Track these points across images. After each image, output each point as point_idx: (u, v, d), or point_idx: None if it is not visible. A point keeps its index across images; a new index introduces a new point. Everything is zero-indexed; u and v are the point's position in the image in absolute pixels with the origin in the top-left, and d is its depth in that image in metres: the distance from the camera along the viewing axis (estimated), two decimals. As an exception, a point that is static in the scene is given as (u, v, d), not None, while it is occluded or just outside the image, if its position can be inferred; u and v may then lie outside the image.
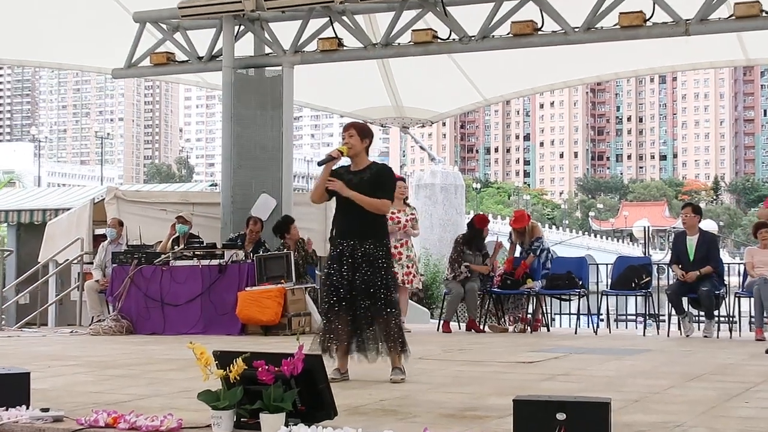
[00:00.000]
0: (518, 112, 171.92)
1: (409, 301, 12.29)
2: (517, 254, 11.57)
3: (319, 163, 5.90)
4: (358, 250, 5.81)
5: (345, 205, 5.89)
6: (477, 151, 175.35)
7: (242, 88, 12.34)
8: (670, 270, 10.86)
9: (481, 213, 13.40)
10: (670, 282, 11.02)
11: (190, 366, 4.86)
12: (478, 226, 11.56)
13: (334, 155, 5.85)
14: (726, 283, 10.68)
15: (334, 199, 6.00)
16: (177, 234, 11.84)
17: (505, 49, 11.81)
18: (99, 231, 13.48)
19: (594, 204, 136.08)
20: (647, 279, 11.02)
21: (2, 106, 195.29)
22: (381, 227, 5.97)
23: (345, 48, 12.30)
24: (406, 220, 11.08)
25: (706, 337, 10.30)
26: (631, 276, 11.06)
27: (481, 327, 11.33)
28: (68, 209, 14.69)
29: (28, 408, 4.36)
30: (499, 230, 59.97)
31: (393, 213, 11.04)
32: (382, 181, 5.94)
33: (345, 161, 6.01)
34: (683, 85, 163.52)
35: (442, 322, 11.35)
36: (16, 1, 13.50)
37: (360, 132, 5.94)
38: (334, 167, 5.94)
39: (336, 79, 14.57)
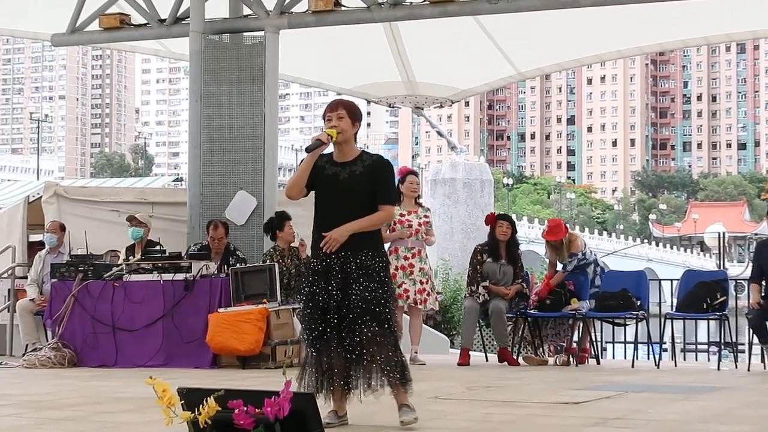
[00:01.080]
0: (560, 89, 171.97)
1: (423, 325, 12.27)
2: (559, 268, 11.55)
3: (308, 150, 5.85)
4: (352, 263, 5.80)
5: (332, 205, 5.86)
6: (509, 138, 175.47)
7: (214, 58, 12.36)
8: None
9: (494, 212, 13.25)
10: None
11: (150, 407, 4.85)
12: (490, 229, 11.47)
13: (323, 140, 5.80)
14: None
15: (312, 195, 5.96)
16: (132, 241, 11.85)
17: (544, 10, 11.80)
18: (35, 237, 13.49)
19: (655, 204, 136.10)
20: (722, 299, 10.99)
21: None
22: (377, 235, 5.99)
23: (343, 8, 12.31)
24: (419, 224, 11.07)
25: (796, 371, 10.28)
26: (702, 295, 11.03)
27: (515, 358, 11.31)
28: (-3, 210, 14.72)
29: (-54, 459, 4.36)
30: (536, 236, 60.05)
31: (402, 215, 11.03)
32: (381, 178, 5.91)
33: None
34: (767, 56, 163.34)
35: (461, 349, 11.33)
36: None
37: (351, 113, 5.91)
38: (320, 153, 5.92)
39: (332, 48, 14.57)
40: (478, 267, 11.26)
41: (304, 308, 5.93)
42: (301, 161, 5.94)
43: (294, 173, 5.96)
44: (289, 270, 11.17)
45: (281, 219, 11.40)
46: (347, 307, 5.75)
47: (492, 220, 11.55)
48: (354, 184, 5.84)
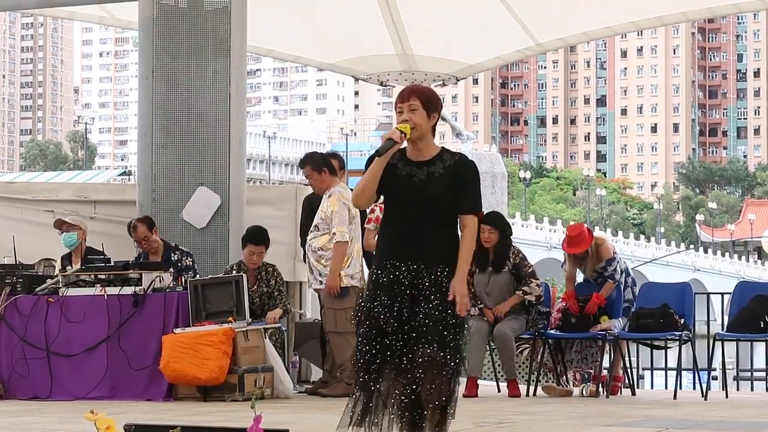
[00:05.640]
0: (588, 63, 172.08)
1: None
2: (580, 279, 11.56)
3: (379, 153, 5.88)
4: (424, 279, 5.87)
5: (406, 212, 5.91)
6: (526, 123, 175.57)
7: (169, 27, 12.35)
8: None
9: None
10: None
11: (91, 447, 4.86)
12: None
13: (396, 138, 5.87)
14: None
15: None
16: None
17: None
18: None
19: (703, 203, 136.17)
20: (784, 316, 11.04)
21: None
22: (455, 246, 5.97)
23: (325, -34, 12.32)
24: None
25: None
26: (759, 312, 11.05)
27: (533, 388, 11.32)
28: None
29: None
30: (559, 241, 60.02)
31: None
32: (465, 182, 5.96)
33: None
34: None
35: (467, 378, 11.34)
36: None
37: (426, 103, 5.98)
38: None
39: (311, 15, 14.57)
40: (470, 279, 10.93)
41: (359, 326, 5.96)
42: (367, 161, 5.96)
43: (362, 178, 5.95)
44: (259, 291, 11.19)
45: (244, 240, 11.34)
46: (412, 328, 5.81)
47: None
48: (432, 189, 5.90)
